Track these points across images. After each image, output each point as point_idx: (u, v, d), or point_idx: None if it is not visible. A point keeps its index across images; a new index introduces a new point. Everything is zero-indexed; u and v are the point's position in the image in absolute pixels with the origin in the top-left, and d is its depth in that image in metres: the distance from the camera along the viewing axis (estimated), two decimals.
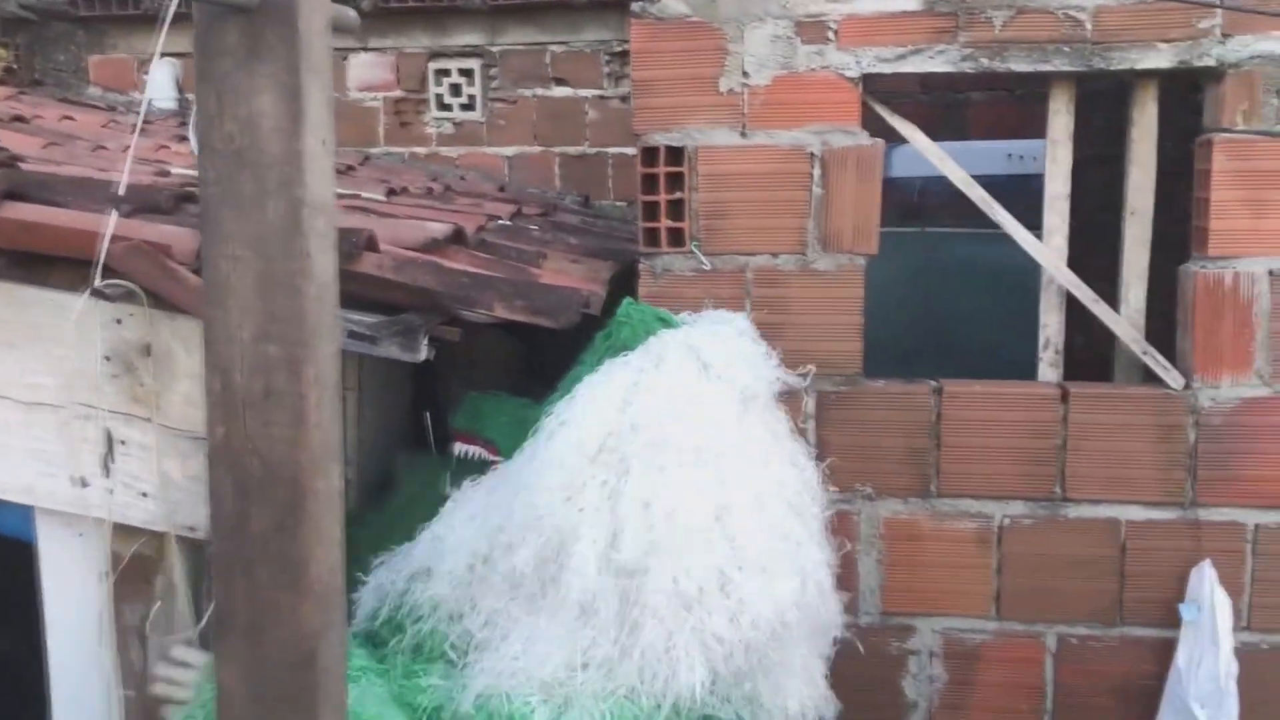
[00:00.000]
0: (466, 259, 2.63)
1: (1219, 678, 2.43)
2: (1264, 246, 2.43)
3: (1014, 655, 2.62)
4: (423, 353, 2.20)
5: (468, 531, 2.09)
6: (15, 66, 5.94)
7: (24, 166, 2.43)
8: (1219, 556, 2.50)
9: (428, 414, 2.61)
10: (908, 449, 2.59)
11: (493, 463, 2.36)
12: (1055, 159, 2.58)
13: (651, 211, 2.60)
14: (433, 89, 5.29)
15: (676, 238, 2.60)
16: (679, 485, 1.97)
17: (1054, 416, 2.54)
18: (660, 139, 2.58)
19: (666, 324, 2.24)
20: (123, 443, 2.13)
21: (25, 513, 2.22)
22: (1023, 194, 3.26)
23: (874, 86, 2.57)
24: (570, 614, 1.93)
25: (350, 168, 4.33)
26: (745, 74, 2.54)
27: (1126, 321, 2.57)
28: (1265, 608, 2.52)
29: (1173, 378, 2.51)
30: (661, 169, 2.58)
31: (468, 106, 5.11)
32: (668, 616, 1.90)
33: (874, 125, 2.56)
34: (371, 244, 2.34)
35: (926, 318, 3.69)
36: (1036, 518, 2.57)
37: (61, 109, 4.93)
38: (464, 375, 2.90)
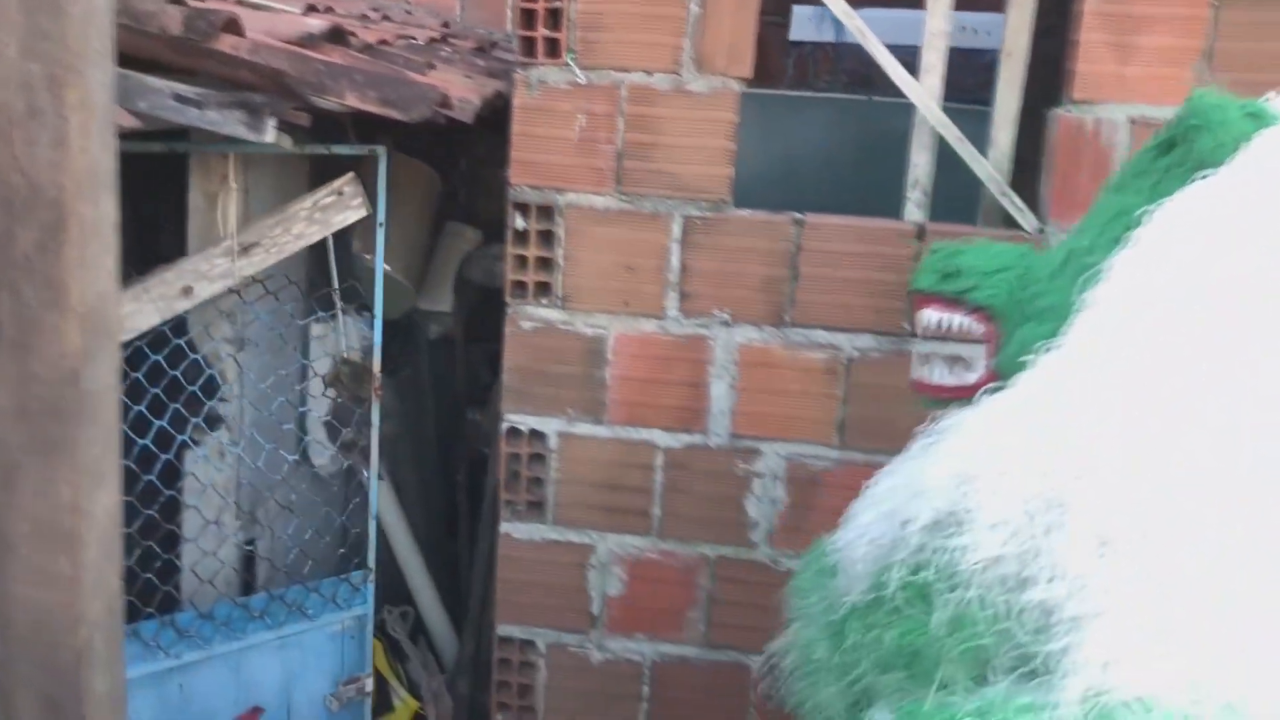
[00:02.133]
0: (340, 56, 2.62)
1: None
2: (1127, 93, 2.44)
3: (853, 483, 2.67)
4: (269, 134, 2.23)
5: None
6: None
7: None
8: None
9: None
10: (766, 278, 2.63)
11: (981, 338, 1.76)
12: None
13: (529, 19, 2.59)
14: None
15: (553, 48, 2.60)
16: None
17: (909, 253, 2.58)
18: None
19: (1261, 121, 1.38)
20: None
21: None
22: (974, 69, 3.24)
23: None
24: None
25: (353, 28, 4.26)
26: None
27: (991, 164, 2.59)
28: None
29: (1028, 220, 2.54)
30: None
31: None
32: None
33: None
34: (234, 27, 2.33)
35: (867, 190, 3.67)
36: (884, 351, 2.63)
37: None
38: None
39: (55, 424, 1.48)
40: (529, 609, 2.88)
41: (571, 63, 2.59)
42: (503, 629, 2.90)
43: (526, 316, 2.73)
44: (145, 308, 2.34)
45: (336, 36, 2.70)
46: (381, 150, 2.83)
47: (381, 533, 3.88)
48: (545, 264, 2.70)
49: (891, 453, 2.63)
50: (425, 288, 3.82)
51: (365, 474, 3.97)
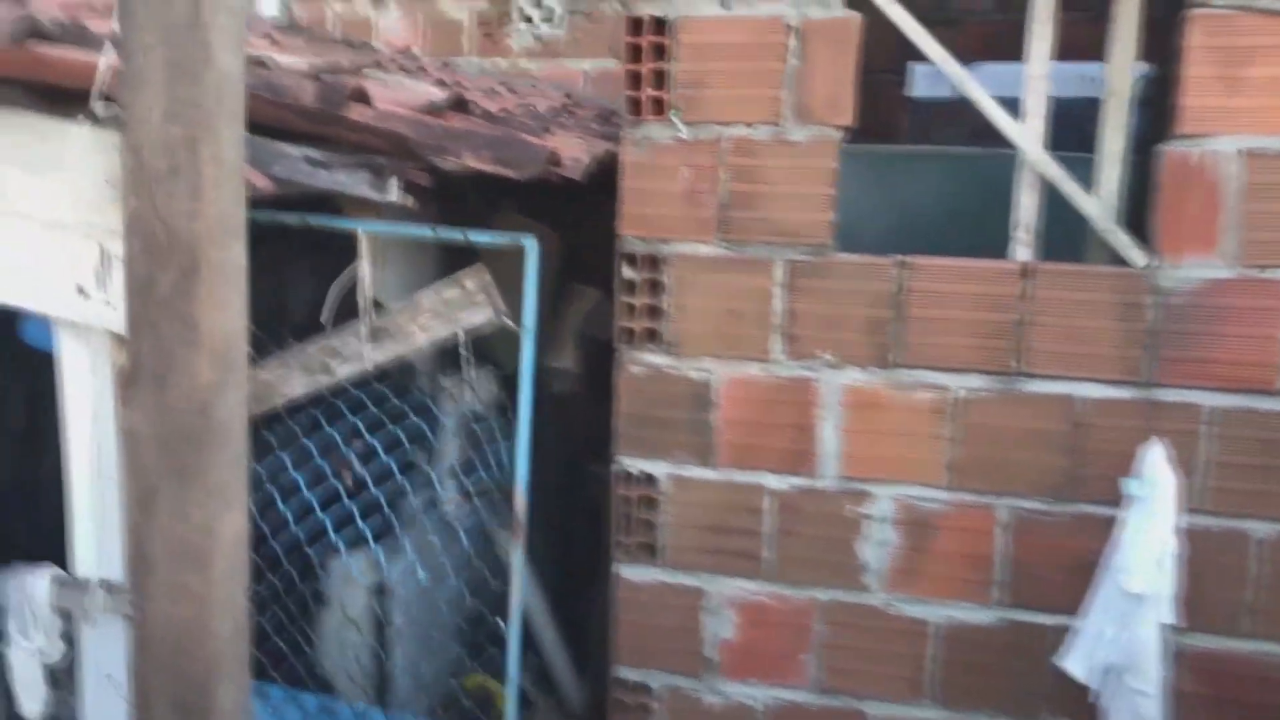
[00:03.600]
0: (460, 122, 2.79)
1: (1158, 553, 2.46)
2: (1235, 125, 2.41)
3: (965, 525, 2.69)
4: (393, 194, 2.39)
5: None
6: None
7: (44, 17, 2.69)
8: (1173, 437, 2.51)
9: None
10: (871, 320, 2.66)
11: None
12: (1038, 36, 2.59)
13: (635, 81, 2.72)
14: (516, 2, 5.46)
15: (657, 106, 2.72)
16: None
17: (1015, 292, 2.57)
18: (646, 9, 2.69)
19: None
20: (117, 258, 2.38)
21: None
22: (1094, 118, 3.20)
23: None
24: None
25: (421, 69, 4.54)
26: None
27: (1098, 202, 2.58)
28: (1219, 490, 2.52)
29: (1135, 255, 2.51)
30: (646, 39, 2.69)
31: (550, 20, 5.25)
32: None
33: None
34: (361, 96, 2.52)
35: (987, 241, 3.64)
36: (992, 391, 2.62)
37: None
38: None
39: (189, 451, 1.63)
40: (644, 652, 2.93)
41: (675, 119, 2.70)
42: (619, 671, 2.95)
43: (636, 362, 2.82)
44: (294, 375, 2.51)
45: (459, 105, 2.88)
46: (531, 241, 2.82)
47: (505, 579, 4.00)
48: (653, 311, 2.79)
49: (1002, 493, 2.62)
50: (548, 344, 3.97)
51: (493, 523, 4.10)
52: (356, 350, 2.57)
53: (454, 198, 3.66)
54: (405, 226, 2.66)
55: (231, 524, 1.67)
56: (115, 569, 2.57)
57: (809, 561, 2.79)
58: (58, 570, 2.61)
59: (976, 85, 2.60)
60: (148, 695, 1.69)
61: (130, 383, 1.64)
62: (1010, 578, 2.67)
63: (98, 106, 2.17)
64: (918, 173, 3.48)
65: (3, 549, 2.81)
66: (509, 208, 4.00)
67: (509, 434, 4.10)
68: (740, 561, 2.83)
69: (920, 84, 4.42)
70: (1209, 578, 2.55)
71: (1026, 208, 2.65)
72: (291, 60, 2.59)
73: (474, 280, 2.69)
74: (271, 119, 2.43)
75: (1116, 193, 2.58)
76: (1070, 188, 2.56)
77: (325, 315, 2.55)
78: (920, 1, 2.68)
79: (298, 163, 2.26)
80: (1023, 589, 2.67)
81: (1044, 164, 2.58)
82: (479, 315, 2.69)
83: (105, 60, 2.16)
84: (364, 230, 2.60)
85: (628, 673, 2.95)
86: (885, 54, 3.19)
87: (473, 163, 2.42)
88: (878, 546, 2.74)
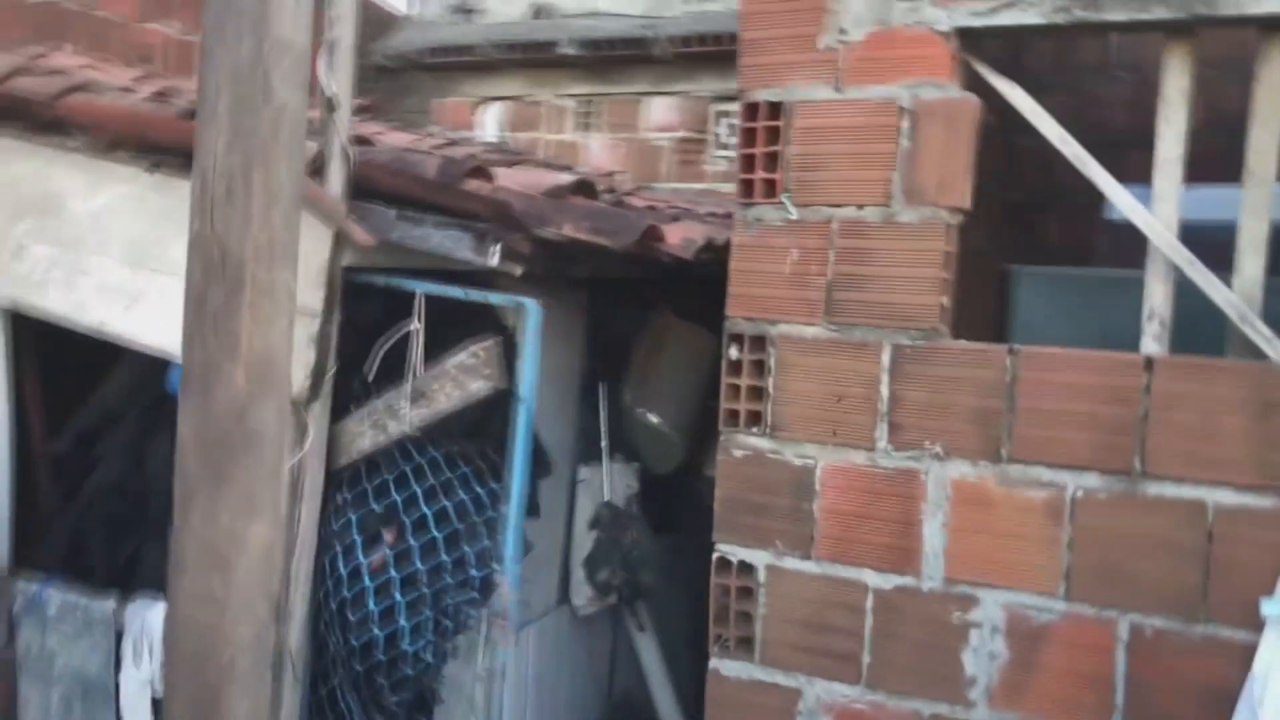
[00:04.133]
0: (581, 203, 2.89)
1: None
2: None
3: (1082, 640, 2.45)
4: (494, 259, 2.49)
5: None
6: (371, 104, 6.97)
7: None
8: None
9: None
10: (980, 409, 2.52)
11: None
12: (1168, 119, 2.45)
13: (749, 164, 2.74)
14: (713, 129, 5.68)
15: (769, 189, 2.72)
16: None
17: (1136, 384, 2.38)
18: (761, 95, 2.73)
19: None
20: None
21: None
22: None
23: (975, 45, 2.58)
24: None
25: (610, 189, 4.71)
26: (842, 31, 2.64)
27: (1238, 293, 2.37)
28: None
29: (1275, 348, 2.28)
30: (761, 123, 2.72)
31: None
32: None
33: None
34: (482, 174, 2.66)
35: None
36: (1112, 492, 2.40)
37: (381, 126, 5.74)
38: None
39: (224, 456, 1.72)
40: None
41: (786, 201, 2.70)
42: None
43: (738, 445, 2.76)
44: (365, 430, 2.61)
45: (583, 189, 2.99)
46: (531, 304, 2.72)
47: (640, 672, 3.93)
48: (757, 393, 2.74)
49: (1123, 607, 2.37)
50: (707, 451, 3.91)
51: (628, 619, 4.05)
52: (405, 412, 2.63)
53: (609, 295, 3.76)
54: (431, 285, 2.62)
55: (259, 532, 1.74)
56: None
57: (910, 669, 2.61)
58: None
59: (1101, 170, 2.48)
60: (170, 696, 1.76)
61: (183, 393, 1.76)
62: (1131, 703, 2.40)
63: None
64: (1116, 297, 3.22)
65: (145, 578, 3.00)
66: (665, 309, 4.06)
67: (642, 531, 4.08)
68: (838, 664, 2.67)
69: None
70: None
71: (1157, 296, 2.47)
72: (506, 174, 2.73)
73: (483, 349, 2.68)
74: (396, 189, 2.59)
75: (1258, 282, 2.37)
76: (1203, 276, 2.37)
77: (368, 368, 2.62)
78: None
79: (404, 224, 2.39)
80: (1141, 716, 2.38)
81: (1174, 250, 2.40)
82: (483, 385, 2.66)
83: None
84: (420, 290, 2.64)
85: None
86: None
87: (571, 232, 2.50)
88: (984, 658, 2.53)
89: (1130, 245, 3.37)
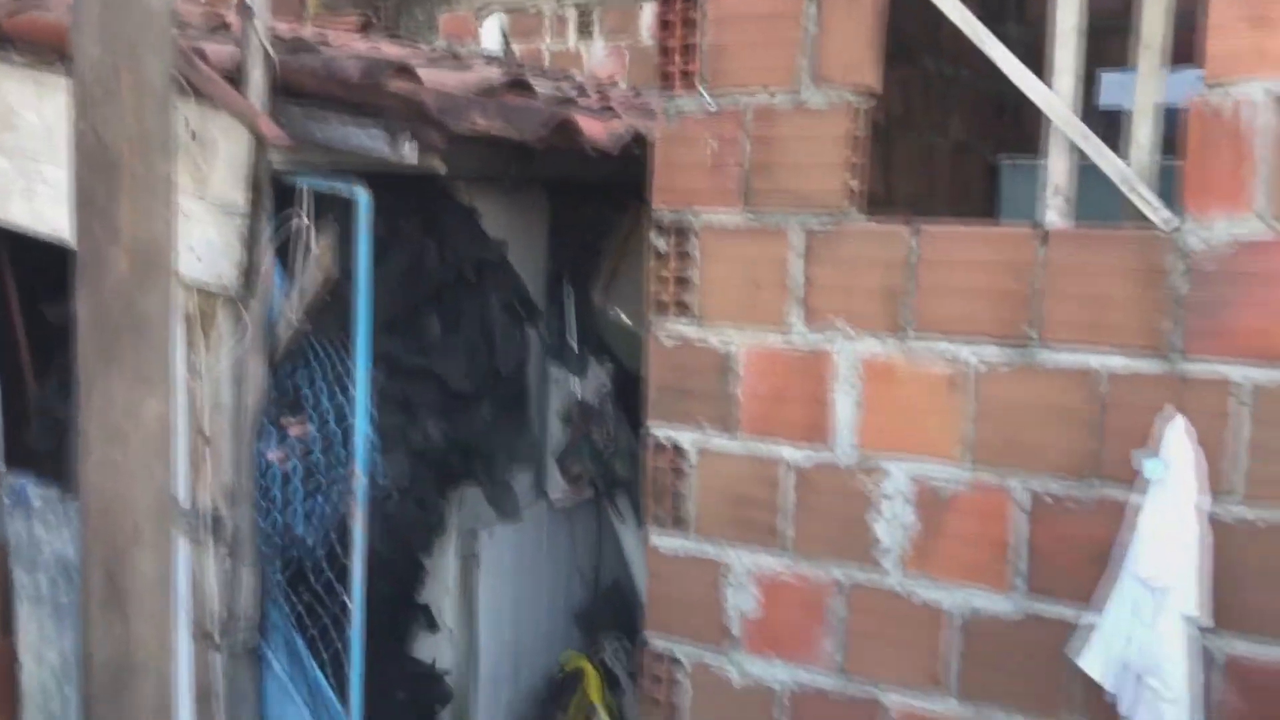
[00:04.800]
0: (516, 98, 2.96)
1: (1177, 540, 2.23)
2: (1267, 67, 2.19)
3: (985, 508, 2.54)
4: (410, 155, 2.59)
5: None
6: (374, 20, 7.03)
7: None
8: (1204, 415, 2.28)
9: None
10: (886, 288, 2.59)
11: None
12: None
13: (667, 55, 2.80)
14: None
15: (687, 79, 2.78)
16: None
17: (1031, 258, 2.43)
18: None
19: None
20: (186, 215, 2.71)
21: None
22: None
23: None
24: None
25: (594, 92, 4.78)
26: None
27: (1133, 164, 2.40)
28: (1256, 477, 2.26)
29: (1161, 217, 2.32)
30: (677, 15, 2.77)
31: None
32: None
33: None
34: (408, 74, 2.75)
35: None
36: (1011, 363, 2.47)
37: (379, 42, 5.80)
38: None
39: (114, 340, 1.86)
40: (671, 623, 2.94)
41: (703, 90, 2.76)
42: (649, 640, 2.97)
43: (666, 332, 2.87)
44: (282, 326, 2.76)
45: (518, 86, 3.07)
46: (361, 194, 2.75)
47: (622, 559, 4.09)
48: (682, 282, 2.84)
49: (1023, 474, 2.45)
50: None
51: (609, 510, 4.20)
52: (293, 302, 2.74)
53: (582, 199, 3.85)
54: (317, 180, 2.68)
55: (152, 407, 1.89)
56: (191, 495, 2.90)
57: (828, 539, 2.72)
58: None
59: (1000, 48, 2.50)
60: (87, 562, 1.93)
61: (77, 282, 1.91)
62: (1030, 565, 2.50)
63: None
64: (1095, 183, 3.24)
65: None
66: (635, 210, 4.15)
67: (616, 426, 4.20)
68: (762, 536, 2.80)
69: (1108, 92, 4.19)
70: (1249, 576, 2.28)
71: (1059, 171, 2.50)
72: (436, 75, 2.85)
73: (324, 241, 2.74)
74: (321, 91, 2.70)
75: (1149, 151, 2.39)
76: (1094, 147, 2.40)
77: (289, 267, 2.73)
78: None
79: (320, 124, 2.50)
80: (1043, 577, 2.48)
81: (1069, 124, 2.43)
82: (319, 274, 2.76)
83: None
84: (304, 184, 2.72)
85: (657, 641, 2.97)
86: None
87: (482, 125, 2.59)
88: (894, 525, 2.64)
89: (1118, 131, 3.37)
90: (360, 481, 2.78)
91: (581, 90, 3.93)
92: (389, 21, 7.70)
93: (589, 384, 4.09)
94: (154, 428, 1.91)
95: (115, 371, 1.87)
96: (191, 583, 2.89)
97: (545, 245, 3.84)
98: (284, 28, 4.50)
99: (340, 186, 2.63)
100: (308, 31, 5.08)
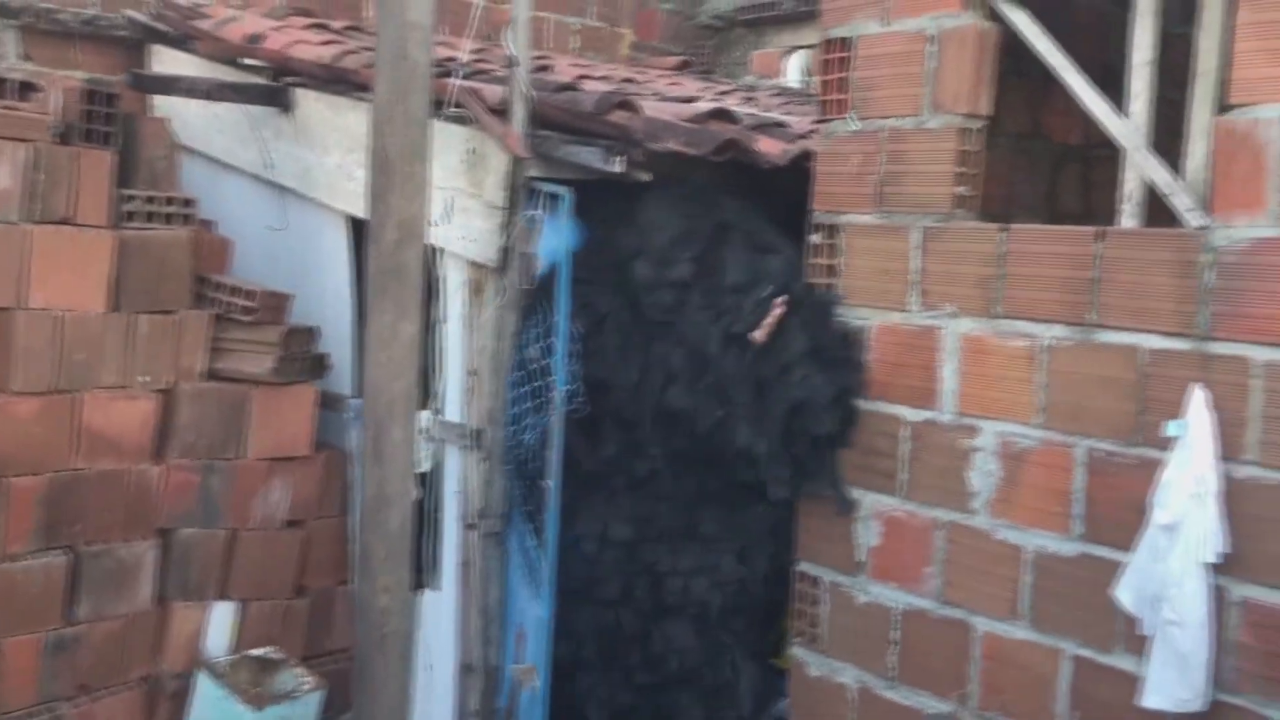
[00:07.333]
0: (718, 125, 3.76)
1: (1192, 489, 2.65)
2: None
3: (1052, 462, 3.03)
4: (617, 166, 3.46)
5: None
6: (690, 59, 8.01)
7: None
8: (1225, 388, 2.68)
9: None
10: (981, 276, 3.15)
11: None
12: (1142, 27, 2.92)
13: (827, 89, 3.50)
14: None
15: (840, 107, 3.47)
16: None
17: (1091, 252, 2.92)
18: (835, 32, 3.47)
19: None
20: (465, 210, 3.74)
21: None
22: None
23: None
24: None
25: None
26: None
27: (1189, 174, 2.82)
28: (1270, 443, 2.62)
29: (1193, 218, 2.74)
30: (835, 56, 3.47)
31: None
32: None
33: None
34: (627, 105, 3.64)
35: None
36: (1074, 340, 2.96)
37: (684, 79, 6.70)
38: None
39: (386, 280, 2.87)
40: (816, 552, 3.60)
41: (852, 116, 3.43)
42: (800, 565, 3.65)
43: None
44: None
45: (721, 115, 3.86)
46: (565, 192, 3.54)
47: None
48: (832, 270, 3.52)
49: (1082, 434, 2.93)
50: None
51: None
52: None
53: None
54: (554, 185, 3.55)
55: (405, 328, 2.88)
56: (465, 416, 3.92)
57: (932, 486, 3.29)
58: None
59: (1078, 78, 3.00)
60: (365, 431, 2.95)
61: (368, 245, 2.92)
62: (1085, 512, 2.96)
63: (452, 110, 3.57)
64: None
65: None
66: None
67: None
68: (882, 480, 3.41)
69: None
70: (1264, 531, 2.65)
71: (1131, 183, 2.96)
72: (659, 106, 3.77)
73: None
74: (564, 121, 3.65)
75: (1204, 165, 2.80)
76: (1145, 161, 2.85)
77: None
78: None
79: (558, 145, 3.44)
80: (1097, 524, 2.94)
81: (1125, 137, 2.89)
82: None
83: (454, 84, 3.54)
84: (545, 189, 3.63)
85: (806, 566, 3.64)
86: None
87: (672, 145, 3.41)
88: (983, 475, 3.17)
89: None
90: (560, 394, 3.67)
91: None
92: (709, 61, 8.64)
93: None
94: (407, 342, 2.89)
95: (387, 304, 2.88)
96: (461, 481, 3.91)
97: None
98: (604, 69, 5.55)
99: (555, 188, 3.58)
100: (621, 72, 6.12)
